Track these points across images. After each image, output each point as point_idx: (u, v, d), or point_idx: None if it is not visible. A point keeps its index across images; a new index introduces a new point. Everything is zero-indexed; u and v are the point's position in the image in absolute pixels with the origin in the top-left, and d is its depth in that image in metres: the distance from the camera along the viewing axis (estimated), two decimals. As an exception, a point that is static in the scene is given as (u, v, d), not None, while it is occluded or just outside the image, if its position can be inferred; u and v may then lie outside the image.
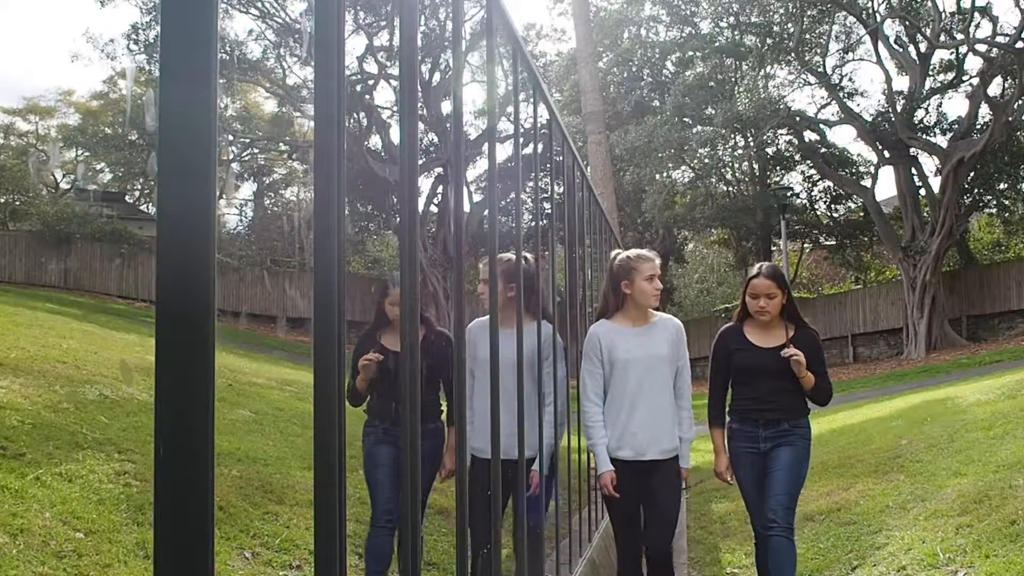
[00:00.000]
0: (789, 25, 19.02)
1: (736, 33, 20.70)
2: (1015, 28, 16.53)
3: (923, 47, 18.97)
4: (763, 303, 3.59)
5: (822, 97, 21.72)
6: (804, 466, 3.59)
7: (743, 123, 18.74)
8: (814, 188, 23.39)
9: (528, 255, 3.39)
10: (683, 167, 22.84)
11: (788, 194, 21.30)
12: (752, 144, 21.12)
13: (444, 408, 3.80)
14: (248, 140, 25.28)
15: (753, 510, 3.63)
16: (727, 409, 3.74)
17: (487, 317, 3.39)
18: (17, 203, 24.95)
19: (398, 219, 1.27)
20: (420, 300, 3.48)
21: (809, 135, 21.66)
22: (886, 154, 19.58)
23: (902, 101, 19.11)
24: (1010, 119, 17.04)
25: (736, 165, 23.89)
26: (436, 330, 3.78)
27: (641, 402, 3.45)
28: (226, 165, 23.42)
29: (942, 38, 17.86)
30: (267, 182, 30.23)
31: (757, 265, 3.75)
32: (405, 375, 1.23)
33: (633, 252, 3.60)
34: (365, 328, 3.83)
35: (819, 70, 20.23)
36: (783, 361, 3.54)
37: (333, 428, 0.89)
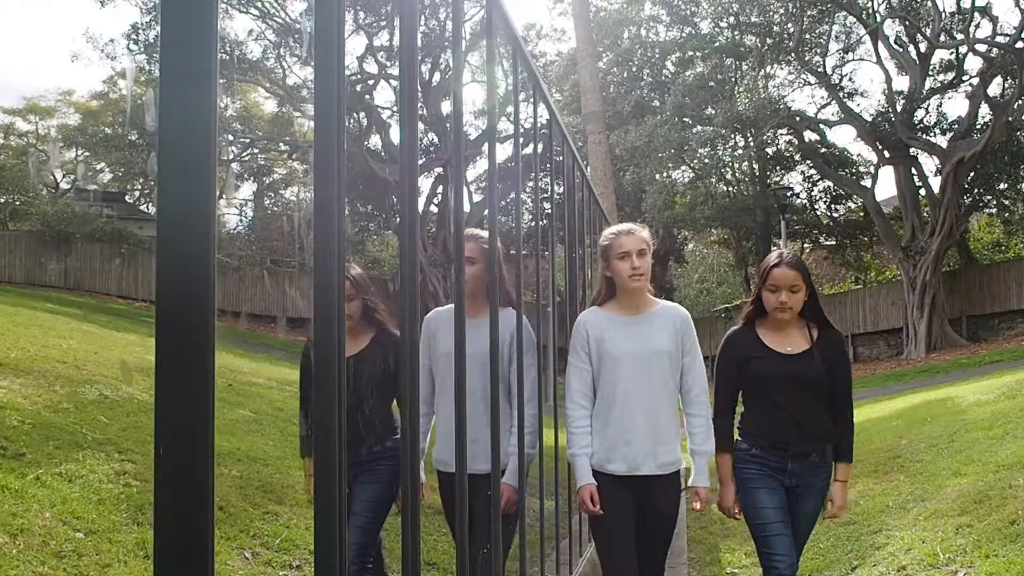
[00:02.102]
0: (789, 25, 19.02)
1: (736, 33, 20.69)
2: (1015, 28, 16.53)
3: (923, 47, 18.98)
4: (784, 298, 2.97)
5: (822, 97, 21.75)
6: (818, 513, 3.08)
7: (743, 123, 18.74)
8: (814, 188, 23.41)
9: (480, 232, 3.05)
10: (683, 167, 22.85)
11: (788, 194, 21.29)
12: (752, 144, 21.12)
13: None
14: (248, 140, 25.29)
15: (770, 540, 2.94)
16: (737, 429, 3.13)
17: (449, 307, 3.06)
18: (17, 203, 24.96)
19: (398, 219, 1.27)
20: (370, 292, 3.09)
21: (809, 135, 21.67)
22: (886, 154, 19.59)
23: (902, 101, 19.12)
24: (1010, 119, 17.04)
25: (736, 165, 23.89)
26: (390, 331, 3.23)
27: (636, 406, 2.89)
28: (226, 165, 23.43)
29: (942, 38, 17.86)
30: (267, 182, 30.24)
31: (776, 252, 3.11)
32: (405, 379, 1.23)
33: (612, 229, 3.04)
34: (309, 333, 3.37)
35: (819, 70, 20.23)
36: (812, 370, 2.96)
37: (333, 428, 0.89)
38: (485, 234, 2.91)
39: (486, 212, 2.44)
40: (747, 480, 3.02)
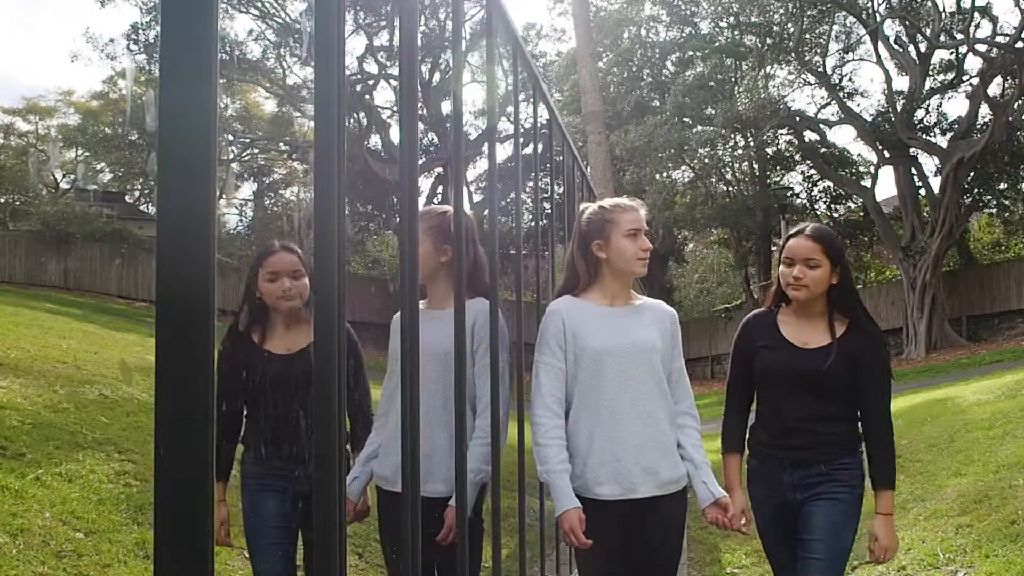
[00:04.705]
0: (789, 25, 19.02)
1: (736, 33, 20.70)
2: (1015, 28, 16.53)
3: (923, 47, 18.99)
4: (797, 272, 2.48)
5: (822, 97, 21.75)
6: (849, 530, 2.52)
7: (743, 123, 18.74)
8: (814, 188, 23.41)
9: (435, 208, 2.64)
10: (683, 167, 22.85)
11: (788, 194, 21.32)
12: (752, 144, 21.12)
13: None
14: (248, 140, 25.31)
15: (776, 572, 2.63)
16: (747, 436, 2.69)
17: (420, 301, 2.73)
18: (17, 203, 24.97)
19: (398, 219, 1.26)
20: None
21: (809, 135, 21.67)
22: (886, 154, 19.59)
23: (902, 101, 19.12)
24: (1010, 119, 17.05)
25: (736, 165, 23.90)
26: None
27: (626, 412, 2.37)
28: (226, 165, 23.45)
29: (942, 38, 17.87)
30: (267, 182, 30.26)
31: (802, 224, 2.64)
32: (406, 384, 1.23)
33: (609, 201, 2.56)
34: (230, 323, 2.75)
35: (819, 70, 20.24)
36: (825, 370, 2.47)
37: (333, 428, 0.89)
38: (442, 208, 2.55)
39: (486, 212, 2.39)
40: (751, 501, 2.61)
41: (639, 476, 2.35)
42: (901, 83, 20.19)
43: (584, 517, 2.30)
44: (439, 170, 22.22)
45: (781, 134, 22.22)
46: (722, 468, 2.67)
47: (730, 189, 24.21)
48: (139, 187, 31.43)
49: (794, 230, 2.60)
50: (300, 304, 2.67)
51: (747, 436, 2.68)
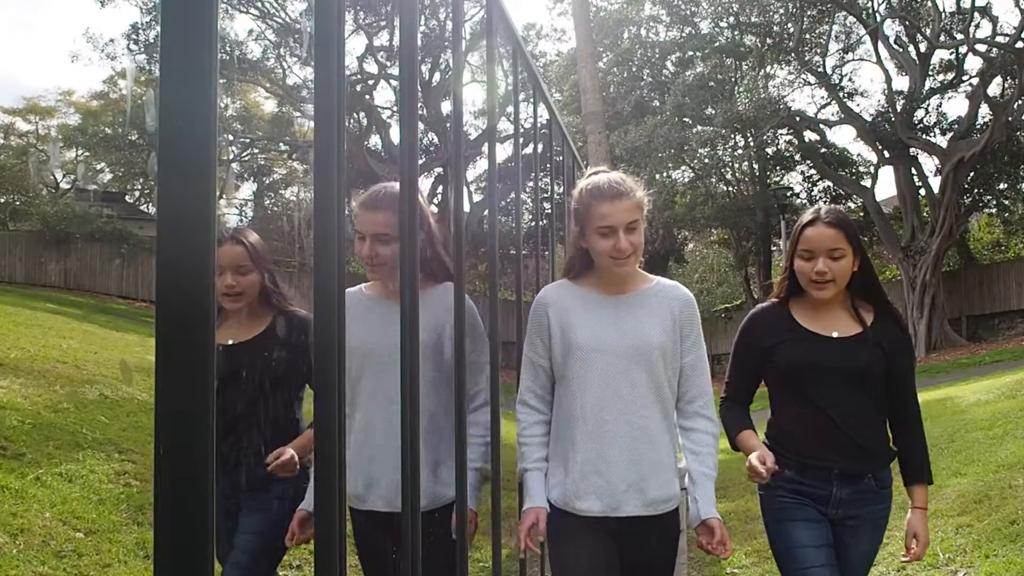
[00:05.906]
0: (789, 25, 19.03)
1: (736, 33, 20.71)
2: (1015, 28, 16.54)
3: (923, 47, 19.00)
4: (822, 267, 2.19)
5: (822, 97, 21.78)
6: (877, 551, 2.41)
7: (743, 123, 18.74)
8: (814, 188, 23.43)
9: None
10: (683, 167, 22.86)
11: (788, 194, 21.33)
12: (752, 144, 21.13)
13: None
14: (248, 140, 25.31)
15: None
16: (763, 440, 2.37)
17: (360, 287, 2.36)
18: (17, 203, 24.98)
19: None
20: (268, 267, 2.53)
21: (809, 135, 21.69)
22: (886, 154, 19.60)
23: (902, 101, 19.13)
24: (1010, 119, 17.05)
25: (736, 165, 23.92)
26: (293, 312, 2.55)
27: (613, 421, 2.10)
28: (226, 165, 23.45)
29: (942, 38, 17.87)
30: (267, 182, 30.28)
31: (813, 209, 2.33)
32: (405, 386, 1.23)
33: (590, 183, 2.17)
34: None
35: (819, 70, 20.25)
36: (866, 360, 2.21)
37: (333, 428, 0.89)
38: (387, 185, 2.28)
39: (486, 212, 2.35)
40: (777, 511, 2.27)
41: (624, 494, 2.10)
42: (901, 83, 20.23)
43: (543, 519, 2.13)
44: (439, 170, 22.22)
45: (781, 134, 22.24)
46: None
47: (730, 189, 24.23)
48: (139, 187, 31.44)
49: (808, 217, 2.28)
50: (243, 304, 2.49)
51: (765, 442, 2.39)
